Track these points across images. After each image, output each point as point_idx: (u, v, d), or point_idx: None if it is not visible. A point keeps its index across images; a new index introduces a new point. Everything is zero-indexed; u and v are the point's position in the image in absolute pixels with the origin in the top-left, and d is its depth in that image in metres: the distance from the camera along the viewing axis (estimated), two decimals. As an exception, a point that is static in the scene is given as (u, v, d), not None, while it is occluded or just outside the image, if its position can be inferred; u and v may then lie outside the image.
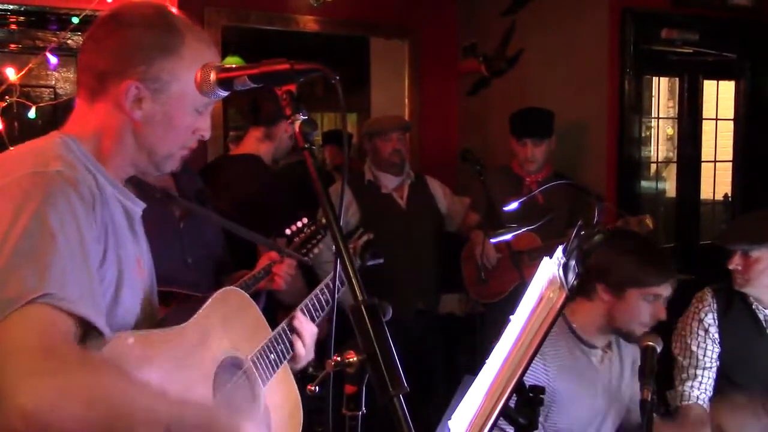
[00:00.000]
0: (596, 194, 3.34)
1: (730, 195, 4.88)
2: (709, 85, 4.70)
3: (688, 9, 4.30)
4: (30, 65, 3.15)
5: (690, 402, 2.59)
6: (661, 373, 1.90)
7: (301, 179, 1.42)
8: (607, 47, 4.09)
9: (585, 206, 3.41)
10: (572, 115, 4.09)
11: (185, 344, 1.37)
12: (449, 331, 4.01)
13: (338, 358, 1.06)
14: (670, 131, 4.89)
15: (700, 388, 2.60)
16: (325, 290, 1.94)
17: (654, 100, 4.69)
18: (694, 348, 2.63)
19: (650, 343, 1.96)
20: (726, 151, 4.83)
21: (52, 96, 3.54)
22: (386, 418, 0.96)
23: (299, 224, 2.44)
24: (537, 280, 1.49)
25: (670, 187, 4.81)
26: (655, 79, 4.63)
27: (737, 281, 2.60)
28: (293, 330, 1.73)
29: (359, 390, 1.09)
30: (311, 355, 1.77)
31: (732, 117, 4.78)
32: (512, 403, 1.46)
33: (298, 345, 1.72)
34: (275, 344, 1.66)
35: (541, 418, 2.08)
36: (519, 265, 3.35)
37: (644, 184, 4.48)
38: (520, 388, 1.46)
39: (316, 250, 2.47)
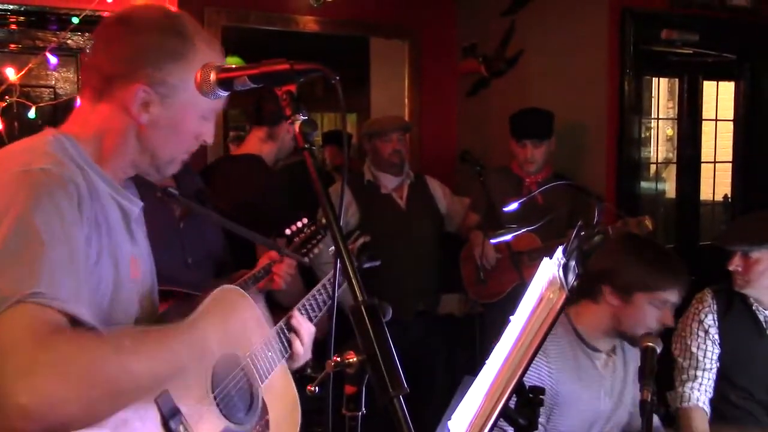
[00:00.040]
0: (596, 195, 3.34)
1: (729, 196, 4.88)
2: (708, 86, 4.70)
3: (687, 10, 4.30)
4: (30, 65, 3.15)
5: (690, 403, 2.59)
6: (661, 374, 1.89)
7: (301, 180, 1.41)
8: (607, 48, 4.09)
9: (585, 207, 3.41)
10: (572, 116, 4.09)
11: None
12: (449, 331, 4.01)
13: (338, 359, 1.06)
14: (669, 132, 4.89)
15: (700, 389, 2.60)
16: (322, 291, 1.94)
17: (654, 101, 4.69)
18: (694, 349, 2.63)
19: (650, 344, 1.96)
20: (726, 151, 4.83)
21: (52, 96, 3.54)
22: (386, 418, 0.96)
23: (299, 224, 2.44)
24: (537, 280, 1.49)
25: (669, 187, 4.82)
26: (654, 80, 4.63)
27: (737, 282, 2.60)
28: (291, 329, 1.74)
29: (359, 390, 1.09)
30: (309, 355, 1.77)
31: (732, 118, 4.79)
32: (512, 404, 1.46)
33: (296, 344, 1.73)
34: (273, 343, 1.66)
35: (543, 420, 2.09)
36: (519, 266, 3.36)
37: (644, 184, 4.48)
38: (520, 388, 1.46)
39: (315, 251, 2.47)
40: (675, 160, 4.73)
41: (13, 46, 3.48)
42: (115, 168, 1.32)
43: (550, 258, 1.48)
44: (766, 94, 4.69)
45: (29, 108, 3.15)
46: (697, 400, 2.59)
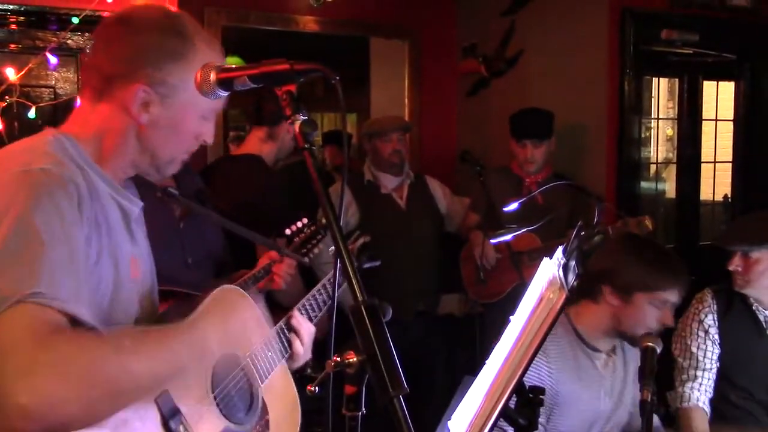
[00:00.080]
0: (596, 195, 3.34)
1: (729, 196, 4.88)
2: (708, 86, 4.70)
3: (687, 10, 4.30)
4: (30, 65, 3.15)
5: (690, 403, 2.59)
6: (661, 374, 1.90)
7: (301, 180, 1.42)
8: (607, 48, 4.09)
9: (585, 207, 3.41)
10: (572, 116, 4.09)
11: None
12: (449, 331, 4.01)
13: (338, 359, 1.06)
14: (669, 132, 4.89)
15: (700, 389, 2.60)
16: (322, 291, 1.94)
17: (654, 101, 4.69)
18: (694, 349, 2.63)
19: (650, 344, 1.96)
20: (726, 151, 4.83)
21: (52, 96, 3.54)
22: (386, 418, 0.96)
23: (299, 224, 2.44)
24: (537, 280, 1.49)
25: (669, 187, 4.82)
26: (654, 80, 4.63)
27: (737, 282, 2.60)
28: (291, 329, 1.74)
29: (359, 390, 1.09)
30: (309, 355, 1.77)
31: (732, 118, 4.79)
32: (512, 404, 1.46)
33: (296, 344, 1.73)
34: (273, 343, 1.66)
35: (543, 420, 2.09)
36: (519, 266, 3.36)
37: (644, 184, 4.48)
38: (520, 388, 1.46)
39: (315, 251, 2.47)
40: (675, 160, 4.73)
41: (13, 46, 3.48)
42: (115, 168, 1.32)
43: (550, 258, 1.48)
44: (766, 94, 4.69)
45: (29, 108, 3.15)
46: (697, 400, 2.59)
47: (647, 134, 4.56)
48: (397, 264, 3.45)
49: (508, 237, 3.17)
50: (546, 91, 4.27)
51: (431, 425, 1.85)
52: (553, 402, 2.11)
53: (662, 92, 4.88)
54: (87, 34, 3.54)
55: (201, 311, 1.41)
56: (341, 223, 1.11)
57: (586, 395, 2.17)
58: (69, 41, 3.53)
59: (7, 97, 3.11)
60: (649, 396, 1.80)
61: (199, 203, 2.33)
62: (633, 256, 2.18)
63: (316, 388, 1.23)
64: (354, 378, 1.07)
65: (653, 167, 4.72)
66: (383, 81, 5.22)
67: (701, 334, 2.63)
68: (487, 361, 1.46)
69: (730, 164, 4.82)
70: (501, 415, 1.37)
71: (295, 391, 1.71)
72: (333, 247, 1.08)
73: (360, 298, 1.02)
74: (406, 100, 4.90)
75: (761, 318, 2.63)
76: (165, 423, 1.29)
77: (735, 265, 2.57)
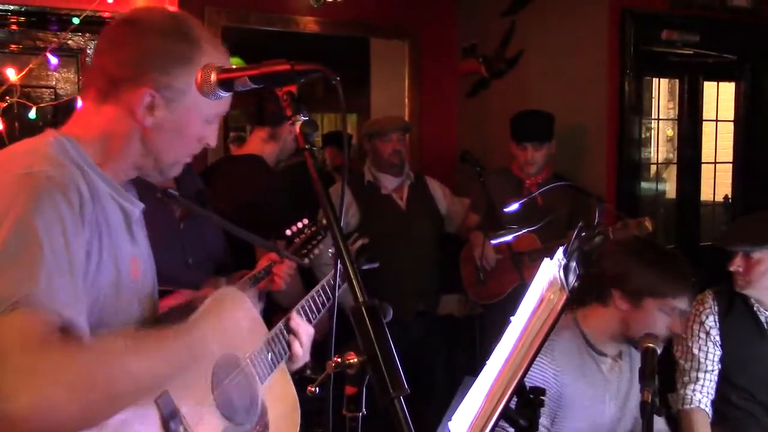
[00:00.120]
0: (596, 196, 3.34)
1: (730, 196, 4.88)
2: (709, 87, 4.70)
3: (688, 10, 4.30)
4: (30, 66, 3.15)
5: (692, 405, 2.59)
6: (661, 375, 1.89)
7: (302, 180, 1.41)
8: (607, 48, 4.09)
9: (585, 208, 3.41)
10: (572, 117, 4.08)
11: None
12: (449, 331, 4.01)
13: (339, 360, 1.06)
14: (670, 132, 4.89)
15: (702, 391, 2.60)
16: (321, 292, 1.94)
17: (654, 102, 4.69)
18: (695, 351, 2.63)
19: (650, 345, 1.96)
20: (726, 152, 4.83)
21: (53, 96, 3.54)
22: (386, 419, 0.96)
23: (300, 225, 2.44)
24: (538, 281, 1.49)
25: (670, 188, 4.81)
26: (655, 81, 4.63)
27: (738, 283, 2.60)
28: (290, 330, 1.74)
29: (359, 391, 1.08)
30: (307, 356, 1.78)
31: (732, 118, 4.79)
32: (513, 405, 1.45)
33: (295, 345, 1.73)
34: (272, 344, 1.66)
35: (547, 422, 2.09)
36: (520, 267, 3.35)
37: (644, 185, 4.48)
38: (520, 389, 1.46)
39: (316, 251, 2.47)
40: (675, 160, 4.73)
41: (13, 46, 3.48)
42: (117, 170, 1.33)
43: (551, 259, 1.48)
44: (767, 95, 4.68)
45: (30, 108, 3.15)
46: (699, 402, 2.59)
47: (647, 135, 4.56)
48: (397, 264, 3.45)
49: (508, 237, 3.17)
50: (546, 91, 4.27)
51: (431, 426, 1.85)
52: (558, 404, 2.11)
53: (663, 93, 4.88)
54: (88, 34, 3.54)
55: (201, 312, 1.41)
56: (341, 224, 1.11)
57: (590, 398, 2.17)
58: (70, 42, 3.53)
59: (7, 97, 3.11)
60: (649, 397, 1.80)
61: (199, 204, 2.33)
62: (646, 261, 2.17)
63: (317, 388, 1.23)
64: (354, 379, 1.07)
65: (653, 168, 4.72)
66: (383, 81, 5.23)
67: (702, 335, 2.63)
68: (487, 362, 1.46)
69: (731, 165, 4.82)
70: (502, 416, 1.36)
71: (295, 392, 1.71)
72: (333, 248, 1.08)
73: (361, 299, 1.02)
74: (406, 101, 4.90)
75: (762, 319, 2.63)
76: (165, 424, 1.29)
77: (736, 265, 2.57)
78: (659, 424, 2.35)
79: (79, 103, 1.41)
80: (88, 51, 3.58)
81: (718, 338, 2.62)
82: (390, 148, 3.70)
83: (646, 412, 1.78)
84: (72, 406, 1.03)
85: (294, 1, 4.41)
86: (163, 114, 1.29)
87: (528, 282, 1.52)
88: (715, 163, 4.81)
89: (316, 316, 1.88)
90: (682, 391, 2.62)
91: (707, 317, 2.63)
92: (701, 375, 2.61)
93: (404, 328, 3.54)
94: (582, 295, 2.22)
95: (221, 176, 2.96)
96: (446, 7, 4.95)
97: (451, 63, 4.95)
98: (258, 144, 3.08)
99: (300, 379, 1.75)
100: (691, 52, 4.40)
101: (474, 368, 1.51)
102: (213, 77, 1.18)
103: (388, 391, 0.96)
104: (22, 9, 3.39)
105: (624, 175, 4.20)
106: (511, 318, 1.49)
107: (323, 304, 1.92)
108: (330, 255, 2.44)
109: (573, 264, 1.47)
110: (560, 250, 1.48)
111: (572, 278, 1.45)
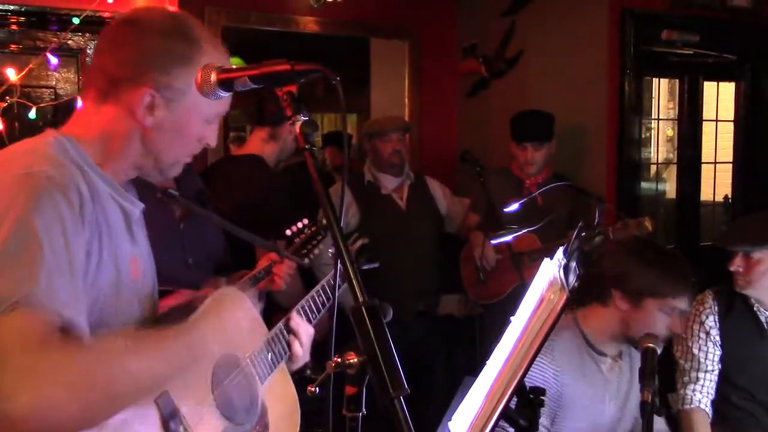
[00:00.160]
0: (596, 196, 3.34)
1: (730, 196, 4.88)
2: (709, 87, 4.70)
3: (688, 10, 4.30)
4: (30, 66, 3.15)
5: (692, 405, 2.59)
6: (662, 375, 1.89)
7: (302, 180, 1.42)
8: (607, 48, 4.09)
9: (585, 207, 3.41)
10: (572, 117, 4.08)
11: None
12: (449, 331, 4.01)
13: (339, 360, 1.06)
14: (670, 132, 4.89)
15: (702, 391, 2.60)
16: (321, 292, 1.94)
17: (654, 102, 4.69)
18: (695, 351, 2.63)
19: (650, 345, 1.96)
20: (726, 152, 4.83)
21: (53, 96, 3.54)
22: (387, 419, 0.96)
23: (300, 225, 2.44)
24: (538, 281, 1.49)
25: (670, 188, 4.81)
26: (655, 81, 4.63)
27: (738, 283, 2.60)
28: (290, 330, 1.74)
29: (359, 391, 1.08)
30: (307, 357, 1.77)
31: (732, 118, 4.79)
32: (513, 405, 1.45)
33: (295, 345, 1.73)
34: (272, 344, 1.66)
35: (547, 422, 2.09)
36: (520, 267, 3.35)
37: (644, 185, 4.48)
38: (520, 389, 1.46)
39: (316, 251, 2.47)
40: (675, 160, 4.73)
41: (13, 46, 3.48)
42: (117, 170, 1.33)
43: (551, 259, 1.48)
44: (767, 95, 4.68)
45: (30, 108, 3.15)
46: (699, 402, 2.59)
47: (647, 135, 4.56)
48: (397, 264, 3.45)
49: (508, 238, 3.17)
50: (546, 91, 4.27)
51: (431, 426, 1.85)
52: (558, 404, 2.11)
53: (662, 93, 4.88)
54: (88, 34, 3.54)
55: (201, 312, 1.41)
56: (341, 224, 1.11)
57: (590, 398, 2.17)
58: (69, 42, 3.53)
59: (7, 97, 3.11)
60: (649, 397, 1.80)
61: (199, 204, 2.33)
62: (646, 261, 2.18)
63: (317, 388, 1.23)
64: (354, 379, 1.07)
65: (653, 168, 4.72)
66: (383, 81, 5.22)
67: (702, 335, 2.63)
68: (487, 362, 1.46)
69: (731, 165, 4.82)
70: (502, 416, 1.36)
71: (295, 392, 1.71)
72: (333, 248, 1.08)
73: (361, 299, 1.02)
74: (406, 101, 4.90)
75: (762, 319, 2.63)
76: (165, 424, 1.28)
77: (736, 265, 2.57)
78: (659, 424, 2.35)
79: (79, 103, 1.41)
80: (88, 51, 3.58)
81: (718, 338, 2.62)
82: (390, 147, 3.70)
83: (646, 412, 1.78)
84: (72, 406, 1.03)
85: (294, 1, 4.41)
86: (163, 114, 1.29)
87: (528, 282, 1.52)
88: (715, 163, 4.81)
89: (316, 316, 1.88)
90: (682, 391, 2.62)
91: (707, 317, 2.63)
92: (701, 375, 2.61)
93: (404, 328, 3.54)
94: (582, 295, 2.22)
95: (221, 176, 2.96)
96: (446, 7, 4.95)
97: (451, 63, 4.95)
98: (258, 144, 3.08)
99: (300, 379, 1.75)
100: (691, 52, 4.40)
101: (474, 368, 1.51)
102: (213, 77, 1.18)
103: (388, 391, 0.96)
104: (22, 9, 3.39)
105: (624, 175, 4.20)
106: (511, 318, 1.49)
107: (323, 304, 1.92)
108: (330, 255, 2.44)
109: (573, 264, 1.47)
110: (560, 250, 1.48)
111: (572, 278, 1.45)
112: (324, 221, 2.41)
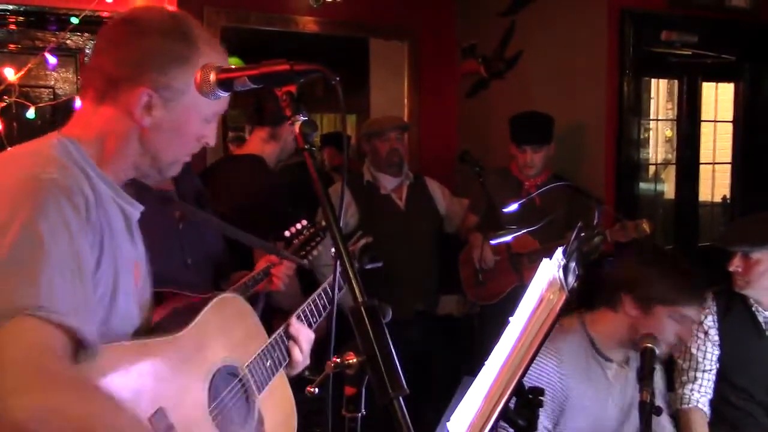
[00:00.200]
0: (595, 197, 3.34)
1: (728, 197, 4.88)
2: (708, 87, 4.70)
3: (687, 11, 4.31)
4: (29, 65, 3.15)
5: (690, 405, 2.59)
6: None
7: (301, 180, 1.42)
8: (606, 49, 4.09)
9: (583, 208, 3.41)
10: (571, 117, 4.09)
11: (182, 352, 1.36)
12: (448, 332, 4.01)
13: (338, 360, 1.06)
14: (668, 133, 4.89)
15: (700, 390, 2.60)
16: (323, 294, 1.93)
17: (653, 102, 4.69)
18: (694, 351, 2.63)
19: (649, 345, 1.96)
20: (725, 153, 4.83)
21: (51, 96, 3.54)
22: (386, 419, 0.96)
23: (299, 226, 2.43)
24: (537, 281, 1.49)
25: (668, 189, 4.81)
26: (654, 81, 4.63)
27: (737, 283, 2.60)
28: (290, 337, 1.72)
29: (359, 391, 1.08)
30: (308, 361, 1.76)
31: (731, 119, 4.79)
32: (512, 405, 1.45)
33: (295, 352, 1.71)
34: (272, 351, 1.65)
35: (549, 425, 2.09)
36: (519, 267, 3.36)
37: (643, 186, 4.48)
38: (519, 389, 1.46)
39: (315, 252, 2.47)
40: (674, 161, 4.73)
41: (12, 46, 3.48)
42: (116, 170, 1.32)
43: (550, 259, 1.48)
44: (766, 96, 4.69)
45: (28, 108, 3.14)
46: (697, 401, 2.59)
47: (646, 135, 4.56)
48: (396, 264, 3.44)
49: (507, 238, 3.17)
50: (545, 91, 4.27)
51: (431, 426, 1.85)
52: (562, 406, 2.11)
53: (661, 93, 4.88)
54: (86, 34, 3.54)
55: (201, 320, 1.40)
56: (341, 224, 1.11)
57: (594, 401, 2.16)
58: (68, 41, 3.53)
59: (6, 97, 3.11)
60: (648, 397, 1.80)
61: (197, 205, 2.33)
62: (658, 268, 2.18)
63: (316, 389, 1.23)
64: (354, 379, 1.07)
65: (652, 168, 4.72)
66: (383, 82, 5.22)
67: (701, 335, 2.63)
68: (486, 362, 1.46)
69: (729, 165, 4.81)
70: (501, 416, 1.37)
71: (292, 397, 1.69)
72: (333, 249, 1.07)
73: (360, 299, 1.01)
74: (406, 101, 4.90)
75: (761, 319, 2.63)
76: None
77: (735, 266, 2.57)
78: (668, 424, 2.36)
79: (78, 103, 1.41)
80: (87, 51, 3.58)
81: (716, 338, 2.63)
82: (388, 146, 3.70)
83: (645, 411, 1.78)
84: (68, 420, 1.01)
85: (294, 1, 4.41)
86: (161, 114, 1.29)
87: (527, 283, 1.52)
88: (714, 163, 4.82)
89: (316, 320, 1.86)
90: (680, 390, 2.62)
91: (706, 317, 2.64)
92: (699, 374, 2.61)
93: (403, 328, 3.53)
94: (591, 300, 2.22)
95: (221, 176, 2.96)
96: (445, 7, 4.95)
97: (450, 63, 4.95)
98: (258, 144, 3.07)
99: (299, 379, 1.75)
100: (690, 53, 4.40)
101: (473, 368, 1.51)
102: (212, 77, 1.18)
103: (388, 391, 0.96)
104: (21, 9, 3.39)
105: (623, 175, 4.20)
106: (510, 318, 1.49)
107: (324, 308, 1.90)
108: (331, 255, 2.44)
109: (572, 264, 1.47)
110: (559, 251, 1.48)
111: (571, 279, 1.46)
112: (323, 222, 2.41)
